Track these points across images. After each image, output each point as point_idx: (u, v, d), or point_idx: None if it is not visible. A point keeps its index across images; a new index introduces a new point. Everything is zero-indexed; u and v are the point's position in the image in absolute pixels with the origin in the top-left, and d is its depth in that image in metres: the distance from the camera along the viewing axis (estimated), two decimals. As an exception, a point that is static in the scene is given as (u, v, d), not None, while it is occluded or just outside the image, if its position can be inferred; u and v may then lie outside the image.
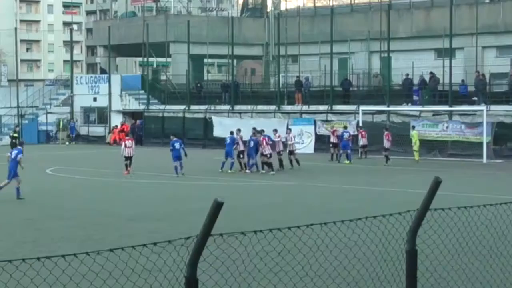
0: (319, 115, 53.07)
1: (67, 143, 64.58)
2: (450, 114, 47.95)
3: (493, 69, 51.33)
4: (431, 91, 50.78)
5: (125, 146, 37.13)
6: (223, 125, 53.49)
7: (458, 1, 57.18)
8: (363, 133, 45.81)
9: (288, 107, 55.89)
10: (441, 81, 50.59)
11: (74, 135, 66.29)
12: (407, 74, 52.67)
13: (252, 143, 37.99)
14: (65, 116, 69.41)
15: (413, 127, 45.07)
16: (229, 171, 37.41)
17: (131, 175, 35.94)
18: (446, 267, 12.53)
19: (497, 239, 12.76)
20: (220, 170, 37.69)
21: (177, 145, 36.42)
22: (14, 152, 28.04)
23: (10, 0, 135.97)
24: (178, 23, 68.02)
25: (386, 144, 43.03)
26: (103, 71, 72.05)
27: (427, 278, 11.40)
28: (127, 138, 39.05)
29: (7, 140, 49.31)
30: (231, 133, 39.40)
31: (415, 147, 43.75)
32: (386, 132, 43.69)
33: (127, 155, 36.78)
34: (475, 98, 48.07)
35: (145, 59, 67.82)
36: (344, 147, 43.97)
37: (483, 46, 55.95)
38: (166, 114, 61.59)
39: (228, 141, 38.55)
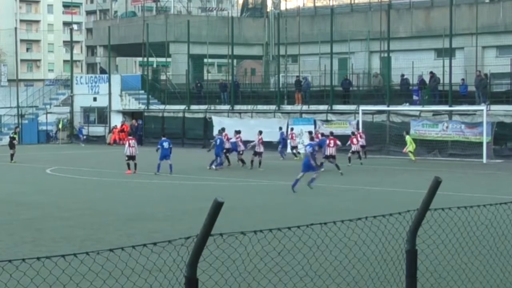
0: (319, 115, 53.06)
1: (82, 144, 63.89)
2: (450, 114, 47.95)
3: (493, 69, 51.33)
4: (431, 91, 50.78)
5: (129, 145, 37.56)
6: (223, 125, 53.49)
7: (458, 1, 57.17)
8: (361, 134, 45.48)
9: (288, 107, 55.88)
10: (441, 81, 50.60)
11: (83, 136, 65.80)
12: (403, 75, 52.64)
13: (218, 141, 39.94)
14: (65, 116, 69.39)
15: (407, 132, 44.94)
16: (214, 168, 39.09)
17: (135, 174, 36.18)
18: (446, 267, 12.53)
19: (497, 239, 12.77)
20: (208, 168, 39.36)
21: (165, 144, 37.22)
22: None
23: (10, 0, 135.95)
24: (178, 23, 68.04)
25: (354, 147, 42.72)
26: (103, 71, 72.03)
27: (427, 278, 11.40)
28: (130, 137, 39.22)
29: (7, 140, 49.29)
30: (219, 133, 40.69)
31: (410, 148, 43.66)
32: (356, 133, 44.19)
33: (130, 154, 37.14)
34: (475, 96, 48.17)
35: (145, 59, 67.83)
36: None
37: (483, 46, 55.96)
38: (166, 114, 61.60)
39: (218, 142, 39.45)
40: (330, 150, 37.71)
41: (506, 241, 12.92)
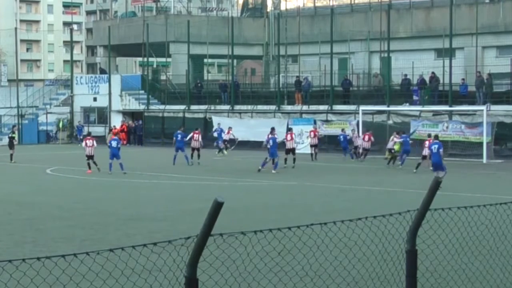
0: (319, 115, 53.09)
1: (80, 144, 63.86)
2: (450, 114, 47.97)
3: (493, 69, 51.34)
4: (431, 91, 50.81)
5: (86, 145, 37.93)
6: (223, 125, 53.56)
7: (458, 1, 57.19)
8: (368, 135, 45.47)
9: (288, 107, 55.91)
10: (441, 81, 50.62)
11: (82, 137, 65.70)
12: (406, 75, 52.70)
13: (179, 137, 42.06)
14: (65, 116, 69.39)
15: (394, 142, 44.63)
16: (273, 171, 37.85)
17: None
18: (446, 267, 12.53)
19: (497, 239, 12.77)
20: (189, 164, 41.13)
21: (179, 137, 41.91)
22: None
23: (10, 0, 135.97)
24: (178, 23, 68.05)
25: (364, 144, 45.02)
26: (102, 71, 72.04)
27: (427, 278, 11.40)
28: (88, 137, 39.29)
29: (7, 140, 49.28)
30: (271, 132, 39.93)
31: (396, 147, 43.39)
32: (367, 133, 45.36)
33: (88, 154, 37.52)
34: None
35: (145, 59, 67.83)
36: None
37: (483, 46, 55.96)
38: (166, 114, 61.63)
39: (271, 142, 38.72)
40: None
41: (506, 241, 12.93)
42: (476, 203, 10.21)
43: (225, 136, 50.34)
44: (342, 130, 47.84)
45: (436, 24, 57.22)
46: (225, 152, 49.07)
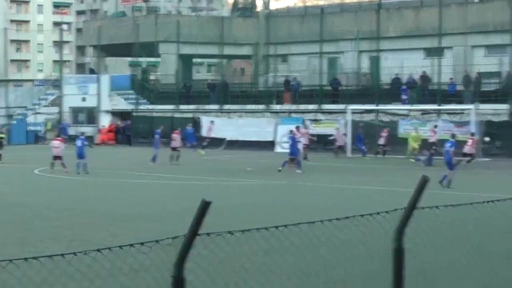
0: (308, 114, 53.14)
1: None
2: (439, 113, 48.10)
3: (482, 68, 51.48)
4: (421, 90, 50.95)
5: (53, 146, 38.24)
6: (209, 123, 53.62)
7: (447, 1, 57.26)
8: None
9: (277, 107, 55.96)
10: (430, 80, 50.77)
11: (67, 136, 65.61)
12: (396, 74, 52.82)
13: (291, 141, 38.94)
14: (54, 116, 69.23)
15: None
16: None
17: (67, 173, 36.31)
18: (434, 266, 12.57)
19: (484, 237, 12.83)
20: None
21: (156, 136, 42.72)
22: None
23: (0, 0, 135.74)
24: (168, 23, 67.97)
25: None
26: (92, 72, 71.92)
27: (414, 276, 11.44)
28: (57, 138, 39.28)
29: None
30: (291, 132, 40.24)
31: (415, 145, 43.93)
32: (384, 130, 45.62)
33: (55, 155, 37.67)
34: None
35: (135, 59, 67.74)
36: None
37: (472, 46, 56.09)
38: (155, 114, 61.61)
39: (291, 142, 38.85)
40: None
41: (493, 239, 12.99)
42: (464, 202, 10.25)
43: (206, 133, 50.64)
44: (452, 136, 44.10)
45: (425, 23, 57.27)
46: (200, 151, 48.55)
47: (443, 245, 12.46)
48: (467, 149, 39.30)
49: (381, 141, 45.90)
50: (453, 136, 34.02)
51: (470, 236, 13.16)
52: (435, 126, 44.06)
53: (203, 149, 48.61)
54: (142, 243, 6.14)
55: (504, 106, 46.16)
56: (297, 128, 41.07)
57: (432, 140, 42.88)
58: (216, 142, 51.89)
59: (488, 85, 51.75)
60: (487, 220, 11.71)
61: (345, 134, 47.12)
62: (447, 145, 31.91)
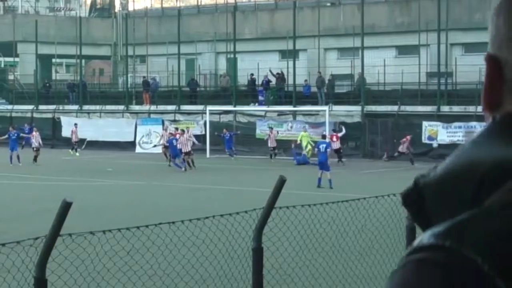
0: (167, 115, 53.17)
1: None
2: (295, 114, 49.13)
3: (335, 71, 52.79)
4: (277, 92, 51.86)
5: None
6: (72, 125, 52.90)
7: (301, 4, 58.42)
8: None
9: (136, 107, 55.76)
10: (285, 82, 51.71)
11: None
12: (252, 74, 53.55)
13: (15, 136, 43.15)
14: None
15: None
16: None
17: None
18: (291, 264, 12.90)
19: (339, 236, 13.26)
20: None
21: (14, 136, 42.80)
22: None
23: None
24: (26, 22, 66.55)
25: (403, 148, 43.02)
26: None
27: (273, 275, 11.72)
28: None
29: None
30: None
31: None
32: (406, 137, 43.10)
33: None
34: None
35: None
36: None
37: (325, 48, 57.37)
38: (14, 114, 60.16)
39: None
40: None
41: (348, 237, 13.45)
42: (319, 202, 10.62)
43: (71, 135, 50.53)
44: (323, 136, 38.25)
45: (280, 26, 58.18)
46: (71, 152, 48.78)
47: (300, 243, 12.83)
48: (334, 145, 40.16)
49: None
50: (323, 137, 34.38)
51: (326, 235, 13.60)
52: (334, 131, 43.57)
53: (73, 150, 48.60)
54: (3, 244, 6.13)
55: (356, 108, 47.53)
56: (182, 130, 41.68)
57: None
58: (81, 144, 51.35)
59: (341, 87, 53.13)
60: (342, 218, 12.14)
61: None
62: (322, 146, 32.00)
